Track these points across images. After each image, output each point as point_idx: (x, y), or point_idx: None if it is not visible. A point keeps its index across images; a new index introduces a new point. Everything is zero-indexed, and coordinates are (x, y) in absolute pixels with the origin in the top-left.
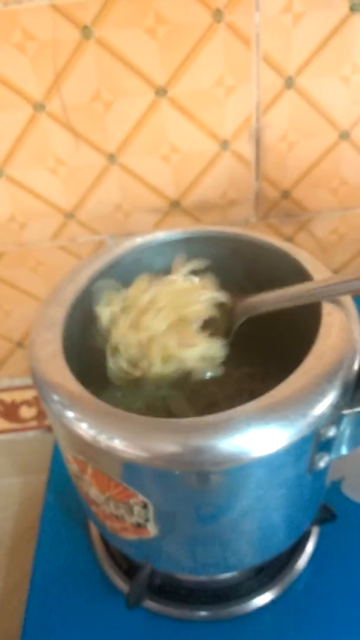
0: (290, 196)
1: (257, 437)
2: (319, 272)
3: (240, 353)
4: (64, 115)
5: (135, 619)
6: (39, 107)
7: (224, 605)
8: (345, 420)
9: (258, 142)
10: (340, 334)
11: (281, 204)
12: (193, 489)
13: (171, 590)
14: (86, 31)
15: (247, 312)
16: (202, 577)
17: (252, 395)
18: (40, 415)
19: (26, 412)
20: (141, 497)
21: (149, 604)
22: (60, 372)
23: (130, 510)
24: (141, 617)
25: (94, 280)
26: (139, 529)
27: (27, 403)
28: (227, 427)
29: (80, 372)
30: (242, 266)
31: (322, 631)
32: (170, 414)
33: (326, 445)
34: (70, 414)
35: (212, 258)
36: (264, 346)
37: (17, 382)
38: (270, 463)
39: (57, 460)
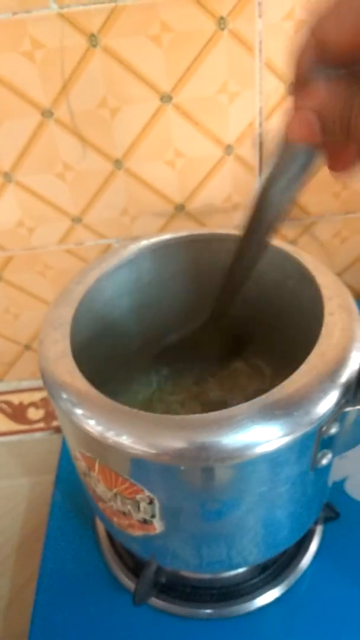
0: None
1: (260, 434)
2: (321, 273)
3: (246, 354)
4: (72, 122)
5: (141, 617)
6: (47, 113)
7: (229, 604)
8: (347, 418)
9: (261, 147)
10: (343, 333)
11: None
12: (198, 485)
13: (177, 588)
14: (93, 39)
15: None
16: (208, 575)
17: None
18: (48, 416)
19: (34, 413)
20: (147, 493)
21: (155, 601)
22: (68, 371)
23: (137, 506)
24: (147, 615)
25: (101, 281)
26: (145, 525)
27: (34, 405)
28: (232, 424)
29: (88, 370)
30: None
31: (325, 629)
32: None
33: (329, 443)
34: (78, 411)
35: (216, 260)
36: (271, 347)
37: (25, 384)
38: (274, 459)
39: (64, 460)
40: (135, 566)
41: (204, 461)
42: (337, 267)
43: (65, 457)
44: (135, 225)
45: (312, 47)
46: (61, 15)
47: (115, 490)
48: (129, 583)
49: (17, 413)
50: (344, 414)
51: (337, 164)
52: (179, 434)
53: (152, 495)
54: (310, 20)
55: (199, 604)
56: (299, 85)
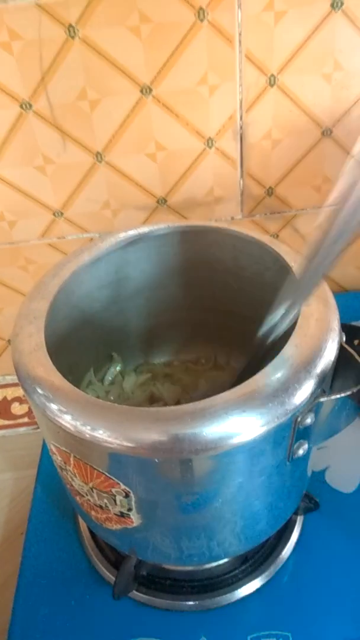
0: (274, 193)
1: (235, 425)
2: (298, 263)
3: (225, 347)
4: (51, 114)
5: (123, 610)
6: (26, 106)
7: (211, 595)
8: (323, 408)
9: (242, 140)
10: (318, 324)
11: (266, 201)
12: (173, 477)
13: (158, 581)
14: (71, 30)
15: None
16: (189, 567)
17: None
18: (32, 411)
19: (18, 408)
20: (123, 486)
21: (137, 594)
22: (42, 364)
23: (113, 500)
24: (129, 608)
25: (77, 274)
26: (122, 518)
27: (18, 400)
28: (207, 415)
29: (64, 364)
30: (224, 260)
31: (307, 618)
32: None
33: (305, 433)
34: (53, 406)
35: (195, 252)
36: (252, 339)
37: (9, 379)
38: (250, 450)
39: (46, 455)
40: (117, 560)
41: (179, 453)
42: None
43: (46, 451)
44: (118, 219)
45: None
46: (39, 6)
47: (91, 484)
48: (110, 577)
49: (1, 408)
50: (319, 404)
51: None
52: (154, 426)
53: (127, 489)
54: None
55: (181, 597)
56: None
